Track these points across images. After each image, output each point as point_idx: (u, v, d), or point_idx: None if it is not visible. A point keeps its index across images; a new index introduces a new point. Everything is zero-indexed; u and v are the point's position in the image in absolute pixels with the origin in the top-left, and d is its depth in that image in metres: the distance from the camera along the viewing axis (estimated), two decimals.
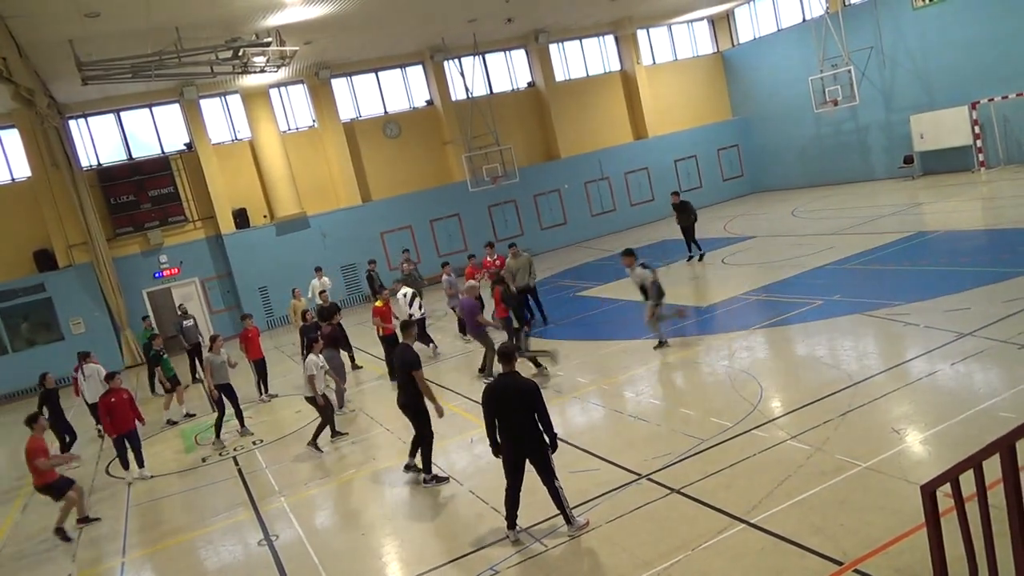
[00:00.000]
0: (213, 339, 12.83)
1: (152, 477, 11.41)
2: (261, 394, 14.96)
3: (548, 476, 6.83)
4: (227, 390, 12.42)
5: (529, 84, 29.12)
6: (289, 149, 25.02)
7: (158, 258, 23.74)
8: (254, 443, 12.15)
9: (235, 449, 12.00)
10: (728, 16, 31.78)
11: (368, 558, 7.46)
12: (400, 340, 9.79)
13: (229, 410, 12.59)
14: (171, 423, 14.45)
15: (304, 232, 24.97)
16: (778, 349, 11.40)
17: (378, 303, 14.24)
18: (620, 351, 12.87)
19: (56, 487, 9.57)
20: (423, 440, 8.88)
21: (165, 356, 14.97)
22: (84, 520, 9.88)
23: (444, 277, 16.83)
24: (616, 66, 30.43)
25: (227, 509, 9.53)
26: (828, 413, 8.29)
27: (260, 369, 15.08)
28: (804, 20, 27.91)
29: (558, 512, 6.91)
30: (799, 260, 16.43)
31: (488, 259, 17.58)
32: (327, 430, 11.16)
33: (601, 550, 6.55)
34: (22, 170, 22.64)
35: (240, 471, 10.88)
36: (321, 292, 16.69)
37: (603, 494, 7.48)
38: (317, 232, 25.11)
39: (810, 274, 15.11)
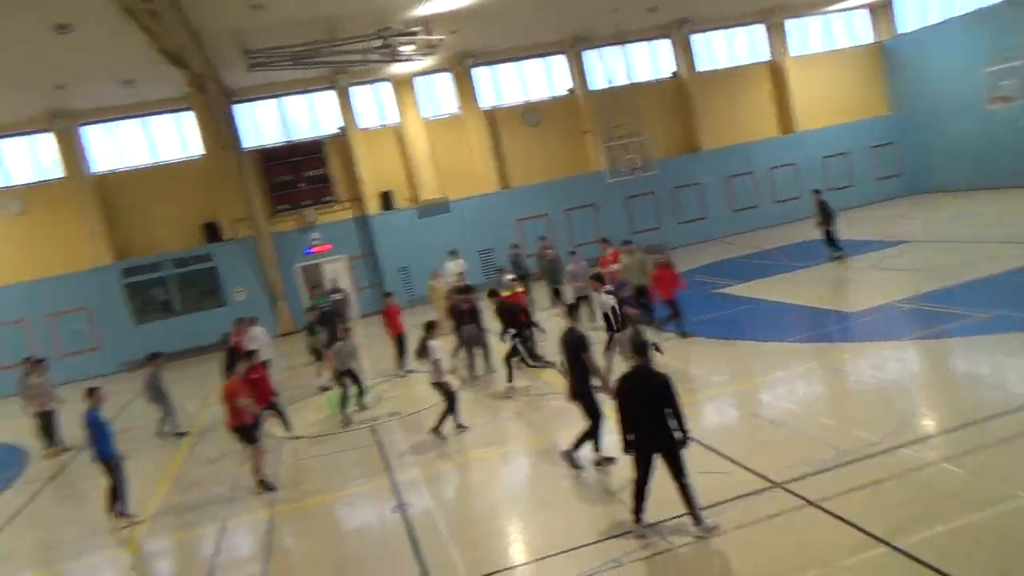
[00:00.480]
0: (346, 330, 13.55)
1: (298, 438, 12.19)
2: (400, 368, 15.65)
3: (678, 473, 6.77)
4: (349, 374, 12.99)
5: (672, 74, 28.52)
6: (432, 135, 25.83)
7: (311, 235, 25.21)
8: (390, 415, 12.73)
9: (373, 420, 12.62)
10: (889, 4, 29.73)
11: (494, 536, 7.68)
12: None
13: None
14: (323, 389, 15.37)
15: (444, 216, 25.73)
16: (934, 363, 10.68)
17: (506, 292, 14.50)
18: (759, 352, 12.47)
19: (248, 430, 10.25)
20: (594, 423, 8.66)
21: (318, 327, 15.99)
22: (262, 479, 10.26)
23: (570, 267, 16.92)
24: (764, 56, 29.23)
25: (363, 476, 10.07)
26: (988, 437, 7.70)
27: (400, 344, 15.78)
28: (977, 9, 25.61)
29: (687, 511, 6.83)
30: (961, 269, 15.23)
31: (605, 255, 17.53)
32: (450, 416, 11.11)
33: (730, 555, 6.43)
34: (196, 149, 24.66)
35: (377, 440, 11.44)
36: (459, 274, 17.25)
37: (733, 498, 7.32)
38: (457, 216, 25.81)
39: (974, 285, 13.99)
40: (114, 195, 24.05)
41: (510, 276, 16.31)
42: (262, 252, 24.29)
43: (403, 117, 25.56)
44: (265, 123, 25.43)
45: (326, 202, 25.32)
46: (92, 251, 23.48)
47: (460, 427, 11.08)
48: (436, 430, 10.97)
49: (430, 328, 11.50)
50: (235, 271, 24.50)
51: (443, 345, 11.45)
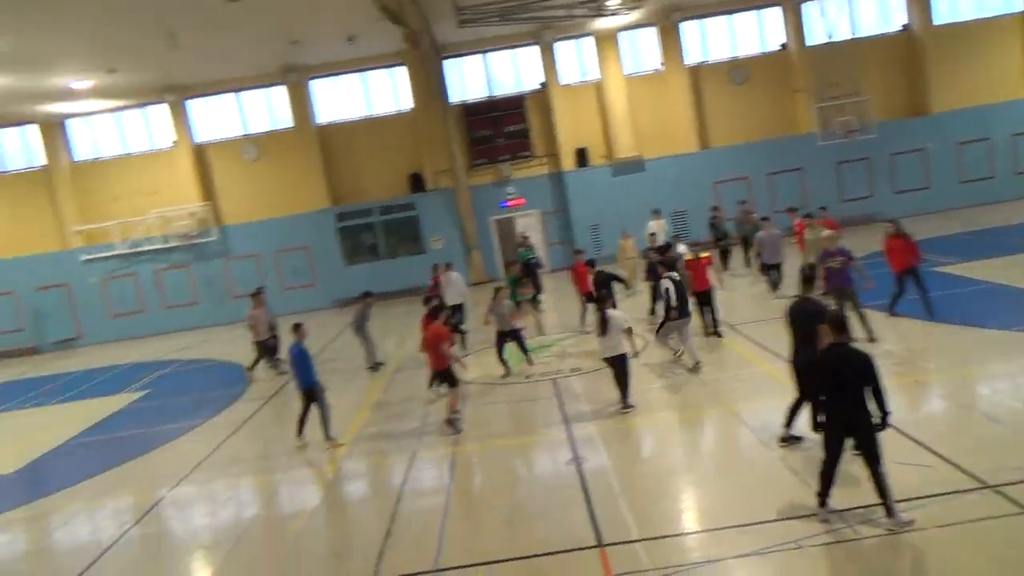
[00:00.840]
0: (497, 290, 13.73)
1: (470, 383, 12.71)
2: (583, 324, 15.83)
3: (873, 459, 6.31)
4: (512, 334, 13.19)
5: (903, 27, 25.79)
6: (632, 92, 25.38)
7: (506, 189, 25.89)
8: (572, 371, 12.94)
9: (556, 373, 12.90)
10: None
11: (668, 501, 7.63)
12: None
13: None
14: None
15: (638, 175, 25.34)
16: None
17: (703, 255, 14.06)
18: (978, 340, 11.22)
19: (450, 374, 10.89)
20: (801, 398, 8.08)
21: (518, 279, 16.58)
22: (453, 419, 10.78)
23: (760, 234, 16.13)
24: (1016, 6, 25.55)
25: (543, 425, 10.36)
26: None
27: (587, 302, 15.91)
28: None
29: (879, 501, 6.38)
30: None
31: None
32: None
33: (926, 555, 5.95)
34: (407, 103, 26.03)
35: (558, 394, 11.69)
36: (651, 234, 17.00)
37: (935, 495, 6.73)
38: (652, 176, 25.33)
39: None
40: (333, 145, 26.07)
41: (683, 246, 15.69)
42: (460, 204, 25.35)
43: (604, 73, 25.30)
44: (470, 78, 26.23)
45: (522, 157, 25.82)
46: (313, 196, 25.71)
47: (628, 406, 10.29)
48: (624, 403, 10.31)
49: (601, 300, 10.57)
50: (435, 220, 25.82)
51: (622, 316, 10.39)
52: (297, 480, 9.96)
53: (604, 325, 10.08)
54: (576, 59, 26.07)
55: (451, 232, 25.81)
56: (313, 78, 25.74)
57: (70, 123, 26.00)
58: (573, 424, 10.17)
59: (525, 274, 17.26)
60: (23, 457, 12.70)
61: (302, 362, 10.67)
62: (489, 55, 26.05)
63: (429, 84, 24.83)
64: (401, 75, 25.90)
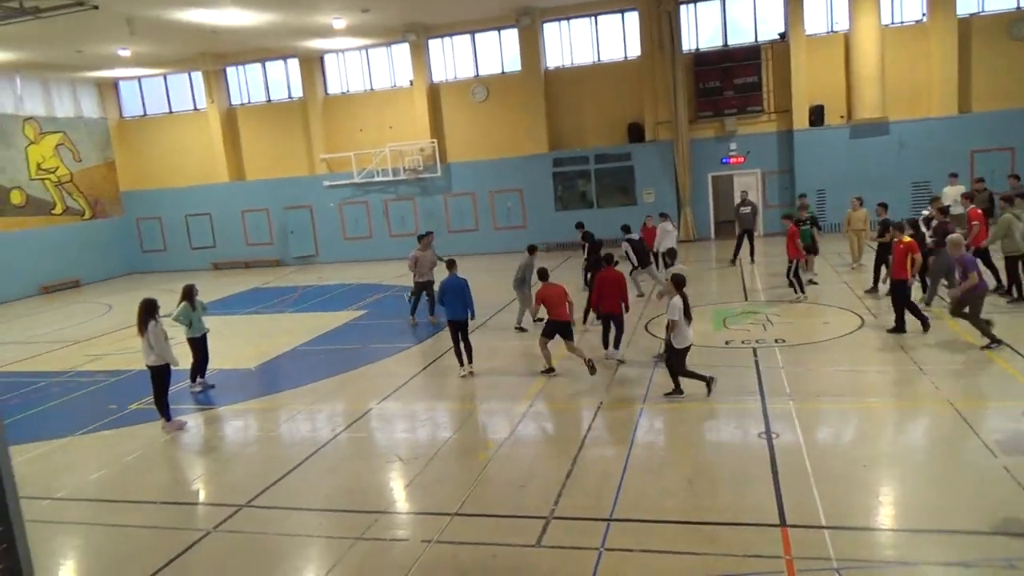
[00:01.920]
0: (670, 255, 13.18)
1: (622, 363, 11.95)
2: (797, 292, 14.99)
3: None
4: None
5: None
6: (887, 46, 22.91)
7: (728, 145, 24.74)
8: (776, 341, 12.32)
9: (756, 342, 12.35)
10: None
11: (863, 492, 7.11)
12: None
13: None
14: (810, 283, 16.06)
15: (880, 138, 23.09)
16: None
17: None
18: None
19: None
20: None
21: (805, 227, 16.18)
22: (549, 371, 11.54)
23: None
24: None
25: (736, 394, 10.00)
26: None
27: (794, 268, 15.05)
28: None
29: None
30: None
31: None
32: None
33: None
34: (634, 50, 25.50)
35: (757, 363, 11.21)
36: (944, 206, 14.92)
37: None
38: (895, 139, 22.98)
39: None
40: (557, 90, 26.26)
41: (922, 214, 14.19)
42: (678, 157, 24.64)
43: (856, 23, 22.99)
44: (704, 27, 25.09)
45: (751, 112, 24.46)
46: (532, 139, 26.21)
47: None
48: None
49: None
50: (649, 172, 25.34)
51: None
52: (489, 412, 10.47)
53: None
54: (826, 7, 23.97)
55: (664, 186, 25.24)
56: (545, 22, 25.94)
57: (326, 59, 28.40)
58: (770, 397, 9.73)
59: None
60: (263, 356, 14.49)
61: (453, 295, 11.63)
62: (728, 1, 24.68)
63: (660, 31, 24.10)
64: (632, 21, 25.35)
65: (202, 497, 8.55)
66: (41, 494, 8.47)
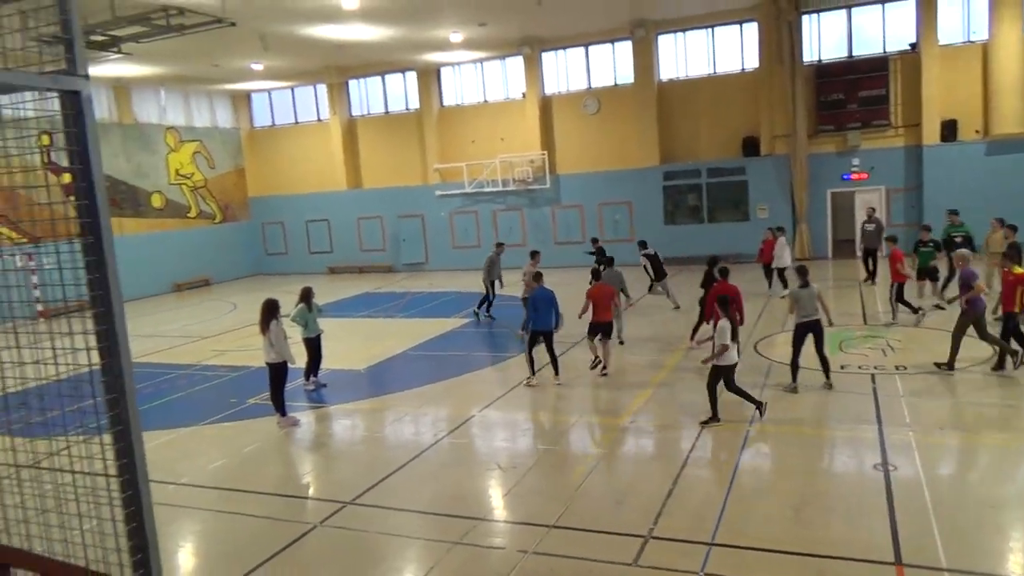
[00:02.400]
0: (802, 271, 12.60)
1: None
2: (893, 317, 14.27)
3: None
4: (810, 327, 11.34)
5: None
6: None
7: (850, 160, 23.68)
8: (896, 368, 11.65)
9: (874, 368, 11.72)
10: None
11: (991, 535, 6.61)
12: None
13: None
14: (936, 307, 15.30)
15: (1020, 155, 21.47)
16: None
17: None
18: None
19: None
20: None
21: (926, 249, 15.53)
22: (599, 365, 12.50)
23: None
24: None
25: (852, 421, 9.52)
26: None
27: (898, 292, 14.42)
28: None
29: None
30: None
31: None
32: None
33: None
34: (752, 62, 24.85)
35: (875, 391, 10.64)
36: None
37: None
38: None
39: None
40: (670, 102, 25.92)
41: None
42: (795, 172, 23.78)
43: (996, 32, 21.53)
44: (827, 37, 24.14)
45: (877, 126, 23.31)
46: (643, 152, 25.96)
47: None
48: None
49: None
50: (764, 187, 24.57)
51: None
52: (589, 425, 10.41)
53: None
54: (962, 16, 22.58)
55: (779, 202, 24.40)
56: (660, 33, 25.67)
57: (442, 71, 29.16)
58: (887, 427, 9.20)
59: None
60: (372, 359, 14.99)
61: (543, 305, 11.98)
62: (855, 11, 23.67)
63: (780, 41, 23.38)
64: (750, 32, 24.72)
65: (311, 492, 8.92)
66: (167, 479, 9.06)
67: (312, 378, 12.96)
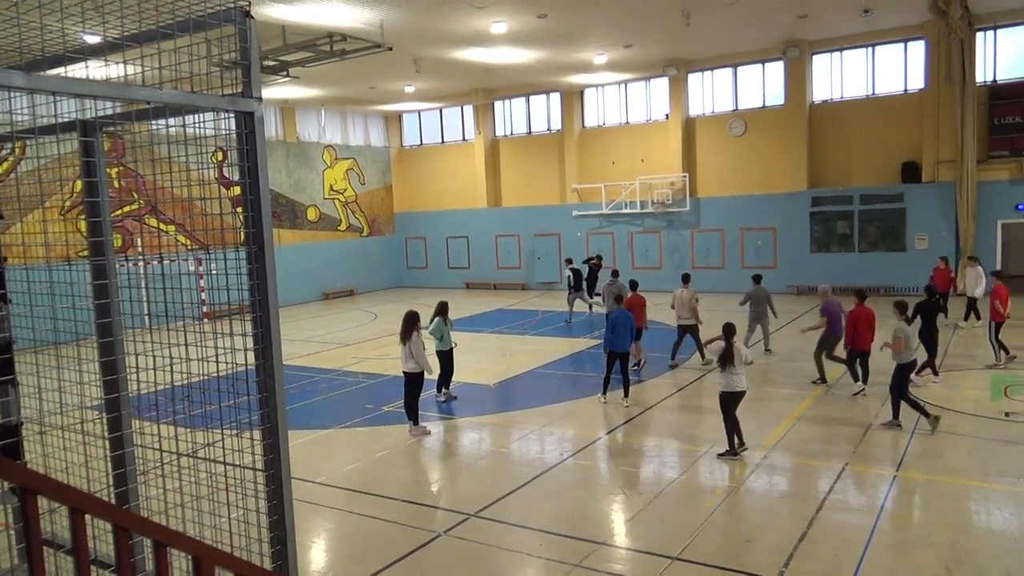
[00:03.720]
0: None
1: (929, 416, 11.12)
2: (996, 359, 13.04)
3: None
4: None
5: None
6: None
7: None
8: None
9: None
10: None
11: None
12: None
13: None
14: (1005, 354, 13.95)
15: None
16: None
17: None
18: None
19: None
20: None
21: None
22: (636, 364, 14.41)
23: None
24: None
25: (1016, 476, 8.68)
26: None
27: (994, 330, 13.52)
28: None
29: None
30: None
31: None
32: None
33: None
34: (915, 82, 23.35)
35: None
36: None
37: None
38: None
39: None
40: (822, 125, 24.79)
41: None
42: (962, 200, 22.01)
43: None
44: (1005, 55, 22.29)
45: None
46: (789, 176, 24.95)
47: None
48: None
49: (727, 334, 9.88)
50: (924, 216, 22.94)
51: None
52: (722, 456, 10.07)
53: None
54: None
55: (941, 232, 22.66)
56: (815, 53, 24.65)
57: (586, 92, 29.38)
58: None
59: None
60: (503, 375, 15.23)
61: (619, 326, 12.32)
62: None
63: (950, 60, 21.79)
64: (915, 51, 23.24)
65: (437, 501, 9.16)
66: (306, 477, 9.59)
67: (444, 390, 13.33)
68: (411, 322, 11.36)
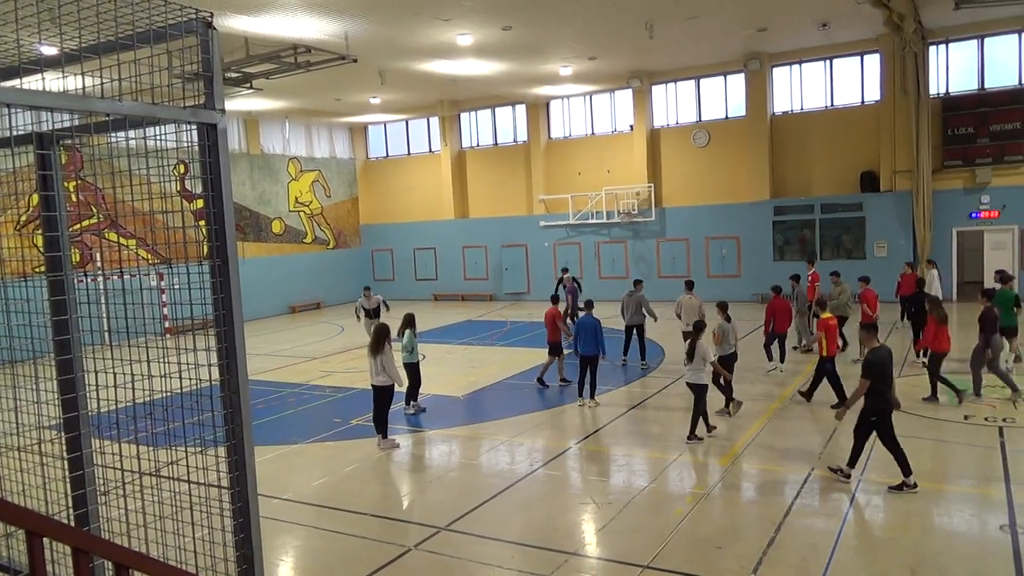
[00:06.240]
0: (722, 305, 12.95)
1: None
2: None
3: None
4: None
5: None
6: None
7: (980, 198, 22.30)
8: None
9: (1003, 420, 10.89)
10: None
11: None
12: None
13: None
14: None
15: None
16: None
17: None
18: None
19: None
20: None
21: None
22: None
23: None
24: None
25: (974, 477, 8.89)
26: None
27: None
28: None
29: None
30: None
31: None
32: None
33: None
34: (872, 94, 23.92)
35: (1003, 445, 9.87)
36: None
37: None
38: None
39: None
40: (783, 136, 25.26)
41: None
42: (918, 208, 22.56)
43: None
44: (958, 68, 22.93)
45: (1010, 161, 21.88)
46: (752, 186, 25.36)
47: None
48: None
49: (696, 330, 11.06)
50: (883, 224, 23.47)
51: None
52: (689, 465, 10.14)
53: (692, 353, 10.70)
54: None
55: (899, 239, 23.19)
56: (775, 66, 25.13)
57: (551, 104, 29.57)
58: (1017, 485, 8.50)
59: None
60: (471, 386, 15.18)
61: (587, 332, 12.80)
62: (987, 41, 22.42)
63: (904, 74, 22.38)
64: (871, 63, 23.82)
65: (407, 515, 9.07)
66: (273, 493, 9.44)
67: (412, 402, 13.24)
68: (383, 336, 11.30)
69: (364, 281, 33.58)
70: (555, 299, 15.42)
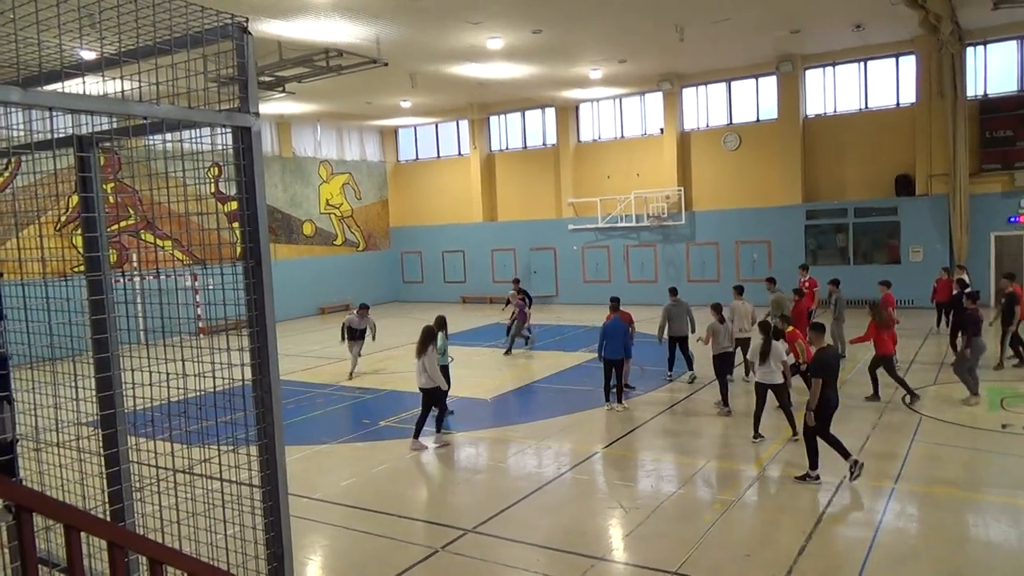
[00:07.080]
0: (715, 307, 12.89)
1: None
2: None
3: None
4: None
5: None
6: None
7: (1019, 202, 21.82)
8: None
9: None
10: None
11: None
12: None
13: None
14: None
15: None
16: None
17: None
18: None
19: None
20: None
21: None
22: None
23: None
24: None
25: (1012, 487, 8.67)
26: None
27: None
28: None
29: None
30: None
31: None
32: None
33: None
34: (907, 96, 23.53)
35: None
36: None
37: None
38: None
39: None
40: (816, 138, 24.94)
41: None
42: (955, 213, 22.14)
43: None
44: (998, 69, 22.47)
45: None
46: (784, 189, 25.07)
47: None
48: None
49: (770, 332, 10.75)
50: (918, 228, 23.07)
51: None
52: (719, 470, 10.04)
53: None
54: None
55: (935, 244, 22.78)
56: (808, 68, 24.84)
57: (581, 107, 29.53)
58: None
59: None
60: (499, 389, 15.20)
61: (609, 336, 12.77)
62: None
63: (941, 75, 21.97)
64: (907, 65, 23.44)
65: (434, 516, 9.10)
66: (302, 492, 9.53)
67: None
68: (429, 337, 11.30)
69: (393, 283, 33.83)
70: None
